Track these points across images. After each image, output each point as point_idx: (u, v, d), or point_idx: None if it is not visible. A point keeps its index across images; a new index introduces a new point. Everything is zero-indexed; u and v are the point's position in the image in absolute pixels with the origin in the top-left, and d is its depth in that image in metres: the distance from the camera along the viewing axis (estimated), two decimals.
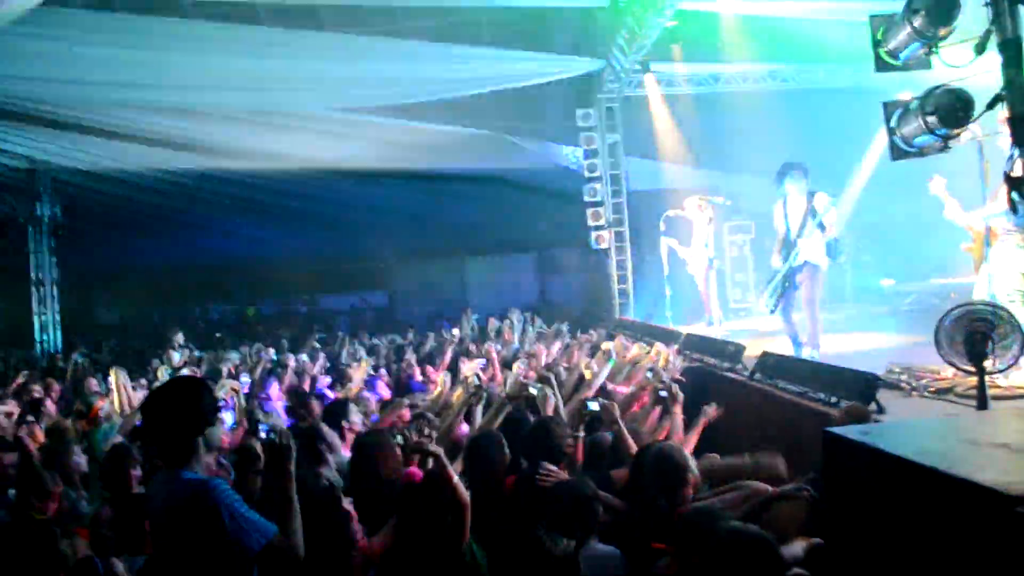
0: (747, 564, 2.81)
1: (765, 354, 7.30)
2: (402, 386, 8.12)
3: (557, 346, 9.43)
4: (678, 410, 5.48)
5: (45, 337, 15.12)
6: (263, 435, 3.01)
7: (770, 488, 4.02)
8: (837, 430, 2.86)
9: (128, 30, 10.37)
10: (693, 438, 5.31)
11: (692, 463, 4.09)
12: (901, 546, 2.34)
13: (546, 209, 19.01)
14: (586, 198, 14.60)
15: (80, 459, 4.84)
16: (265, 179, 17.24)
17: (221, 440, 3.12)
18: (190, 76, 11.81)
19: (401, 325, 16.21)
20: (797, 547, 3.25)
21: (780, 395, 6.35)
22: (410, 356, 9.35)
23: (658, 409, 5.83)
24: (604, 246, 14.74)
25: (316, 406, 5.84)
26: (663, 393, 5.60)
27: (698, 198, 12.36)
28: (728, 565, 2.82)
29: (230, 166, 16.31)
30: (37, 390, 8.07)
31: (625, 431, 4.82)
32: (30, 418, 6.33)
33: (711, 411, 5.63)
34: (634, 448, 4.61)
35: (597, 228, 14.64)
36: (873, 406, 5.16)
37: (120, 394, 6.81)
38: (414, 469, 4.07)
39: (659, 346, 8.30)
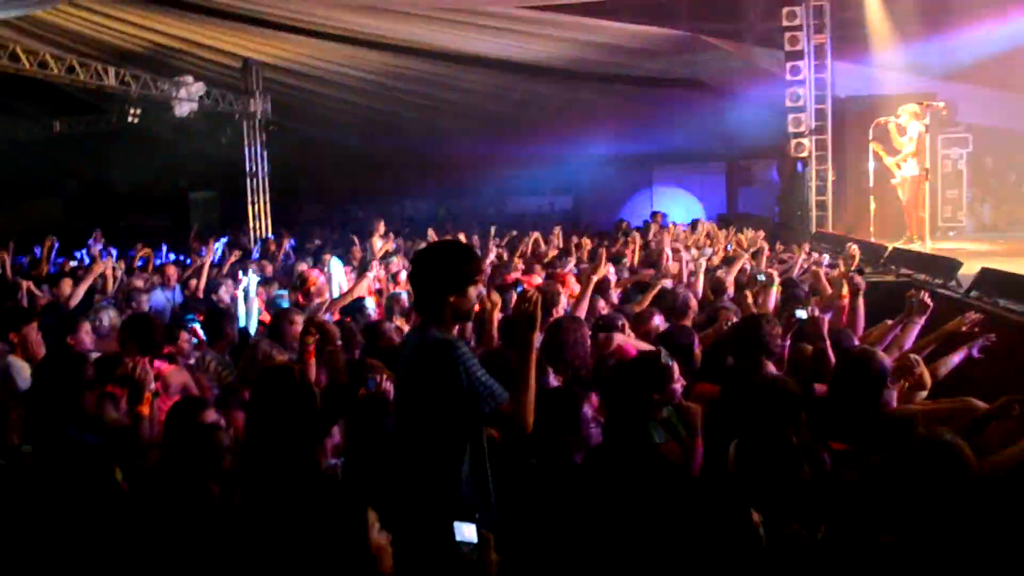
0: (932, 472, 2.60)
1: (985, 271, 6.77)
2: None
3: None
4: (919, 321, 4.97)
5: (256, 224, 16.32)
6: None
7: (982, 404, 3.76)
8: None
9: None
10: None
11: (890, 367, 3.84)
12: None
13: (741, 117, 18.22)
14: (787, 103, 13.87)
15: (297, 328, 5.19)
16: (456, 80, 17.49)
17: (473, 307, 3.14)
18: None
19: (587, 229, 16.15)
20: None
21: (1002, 314, 5.88)
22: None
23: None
24: (804, 155, 14.03)
25: None
26: (913, 301, 5.01)
27: (915, 104, 11.47)
28: (912, 470, 2.64)
29: (424, 67, 16.66)
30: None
31: (829, 349, 4.53)
32: None
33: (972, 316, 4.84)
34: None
35: (797, 135, 13.94)
36: None
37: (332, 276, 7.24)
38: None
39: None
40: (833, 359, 4.38)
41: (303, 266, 8.66)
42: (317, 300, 6.44)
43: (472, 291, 3.03)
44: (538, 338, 3.11)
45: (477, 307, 3.56)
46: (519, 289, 3.22)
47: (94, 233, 14.53)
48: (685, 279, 7.67)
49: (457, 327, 3.24)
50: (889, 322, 5.16)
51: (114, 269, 8.59)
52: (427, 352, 2.92)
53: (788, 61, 13.84)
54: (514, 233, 12.55)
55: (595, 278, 5.73)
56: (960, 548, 2.26)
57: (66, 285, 7.54)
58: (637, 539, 2.74)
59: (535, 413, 2.96)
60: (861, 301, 5.42)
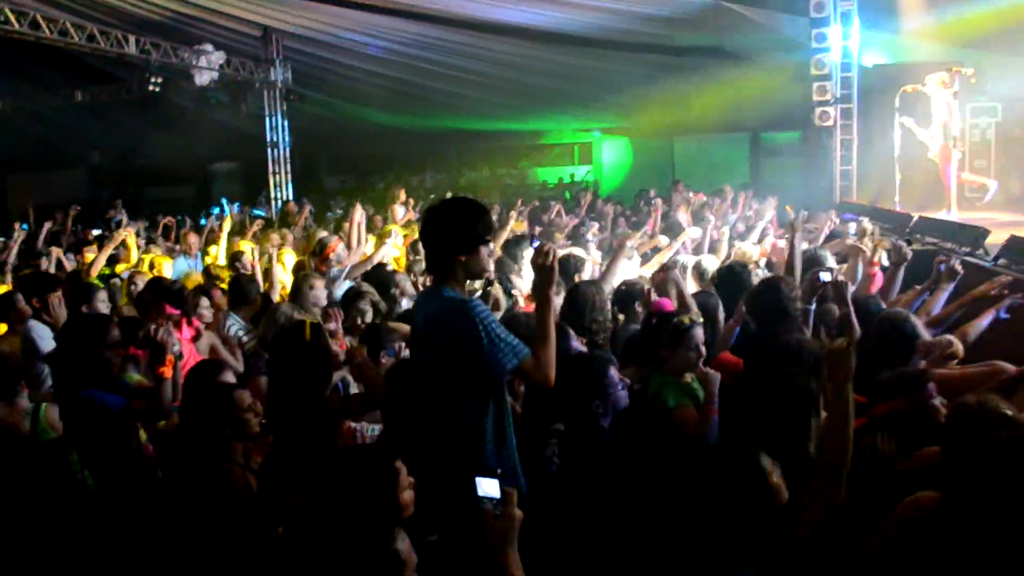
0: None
1: (1014, 238, 6.66)
2: None
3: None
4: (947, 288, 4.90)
5: (278, 194, 16.38)
6: None
7: (1011, 367, 3.72)
8: None
9: None
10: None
11: (922, 330, 3.79)
12: None
13: (765, 86, 17.95)
14: (812, 71, 13.63)
15: (320, 292, 5.22)
16: (477, 49, 17.32)
17: (486, 269, 3.08)
18: None
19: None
20: None
21: None
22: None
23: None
24: (829, 124, 13.82)
25: None
26: (942, 267, 4.96)
27: (943, 72, 11.25)
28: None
29: (445, 35, 16.49)
30: (275, 240, 8.72)
31: (853, 315, 4.47)
32: None
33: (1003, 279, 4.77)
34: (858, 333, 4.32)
35: (822, 104, 13.72)
36: None
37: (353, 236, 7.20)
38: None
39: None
40: (858, 326, 4.31)
41: (323, 233, 8.64)
42: (336, 267, 6.42)
43: (483, 250, 2.95)
44: (556, 296, 3.07)
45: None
46: (534, 244, 3.13)
47: (115, 204, 14.59)
48: (707, 247, 7.61)
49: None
50: (917, 287, 5.09)
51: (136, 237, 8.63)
52: (445, 312, 2.87)
53: (814, 28, 13.59)
54: (536, 203, 12.46)
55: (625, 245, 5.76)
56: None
57: (89, 253, 7.60)
58: (648, 502, 2.72)
59: (561, 377, 2.92)
60: (901, 271, 5.34)
